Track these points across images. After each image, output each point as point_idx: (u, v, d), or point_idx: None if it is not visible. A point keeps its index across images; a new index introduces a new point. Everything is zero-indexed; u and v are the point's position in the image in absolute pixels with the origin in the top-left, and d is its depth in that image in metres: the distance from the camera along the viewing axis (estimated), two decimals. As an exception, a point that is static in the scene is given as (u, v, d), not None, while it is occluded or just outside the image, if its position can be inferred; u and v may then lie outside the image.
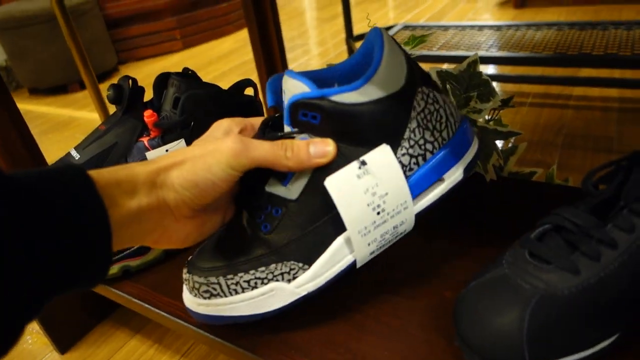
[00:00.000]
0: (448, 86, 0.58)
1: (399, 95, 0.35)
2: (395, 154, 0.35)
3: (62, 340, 0.70)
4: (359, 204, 0.34)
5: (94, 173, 0.27)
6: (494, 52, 1.34)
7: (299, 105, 0.34)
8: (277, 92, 0.39)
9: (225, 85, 0.49)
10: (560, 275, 0.30)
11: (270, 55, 0.98)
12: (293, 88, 0.34)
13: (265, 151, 0.34)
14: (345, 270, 0.37)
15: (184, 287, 0.39)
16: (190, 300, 0.38)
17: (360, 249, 0.36)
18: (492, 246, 0.43)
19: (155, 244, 0.34)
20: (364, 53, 0.38)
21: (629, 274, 0.30)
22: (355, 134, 0.34)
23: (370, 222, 0.35)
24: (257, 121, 0.41)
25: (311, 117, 0.34)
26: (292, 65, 1.82)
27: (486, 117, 0.66)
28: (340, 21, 1.59)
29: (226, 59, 2.13)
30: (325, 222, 0.36)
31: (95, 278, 0.26)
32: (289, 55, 1.95)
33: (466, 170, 0.38)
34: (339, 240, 0.36)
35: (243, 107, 0.51)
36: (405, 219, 0.36)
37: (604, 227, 0.31)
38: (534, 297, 0.30)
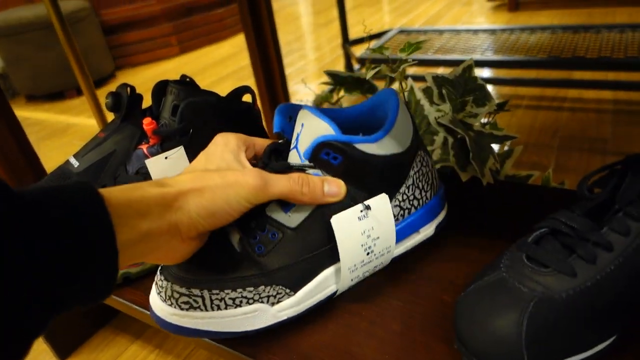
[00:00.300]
0: (444, 91, 0.59)
1: (405, 154, 0.40)
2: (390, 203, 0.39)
3: (62, 347, 0.70)
4: (355, 243, 0.37)
5: (105, 191, 0.27)
6: (489, 56, 1.36)
7: (325, 144, 0.36)
8: (285, 119, 0.41)
9: (222, 90, 0.49)
10: (557, 278, 0.30)
11: (267, 60, 0.98)
12: (316, 126, 0.37)
13: (283, 186, 0.35)
14: (325, 300, 0.40)
15: (154, 293, 0.38)
16: (161, 308, 0.37)
17: (345, 283, 0.39)
18: (489, 250, 0.44)
19: (157, 261, 0.35)
20: (372, 106, 0.43)
21: (625, 277, 0.30)
22: (362, 180, 0.38)
23: (360, 260, 0.38)
24: (260, 142, 0.42)
25: (332, 157, 0.37)
26: (289, 70, 1.83)
27: (482, 120, 0.66)
28: (336, 26, 1.59)
29: (223, 64, 2.14)
30: (318, 254, 0.38)
31: (100, 295, 0.26)
32: (285, 60, 1.96)
33: (437, 227, 0.44)
34: (326, 272, 0.39)
35: (241, 114, 0.51)
36: (384, 262, 0.41)
37: (600, 230, 0.31)
38: (532, 300, 0.30)
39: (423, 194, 0.42)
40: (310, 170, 0.37)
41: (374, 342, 0.37)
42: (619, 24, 1.41)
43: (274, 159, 0.40)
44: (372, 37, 1.53)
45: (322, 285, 0.39)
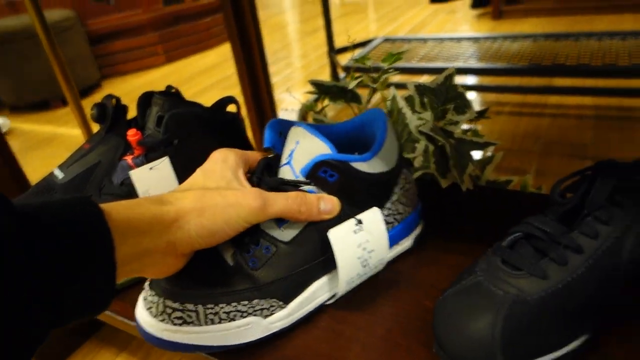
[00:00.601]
0: (426, 99, 0.60)
1: (392, 172, 0.42)
2: None
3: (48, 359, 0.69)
4: (352, 256, 0.38)
5: (106, 207, 0.28)
6: (473, 64, 1.38)
7: (324, 163, 0.38)
8: (276, 135, 0.43)
9: (208, 99, 0.50)
10: (530, 281, 0.31)
11: (253, 69, 0.99)
12: (313, 144, 0.39)
13: (283, 206, 0.36)
14: (316, 309, 0.41)
15: (142, 309, 0.37)
16: (151, 324, 0.36)
17: (340, 294, 0.41)
18: (470, 254, 0.45)
19: (148, 275, 0.35)
20: (361, 124, 0.45)
21: (595, 278, 0.31)
22: (354, 196, 0.40)
23: (356, 273, 0.39)
24: (252, 155, 0.42)
25: (329, 175, 0.39)
26: (275, 79, 1.84)
27: (464, 127, 0.68)
28: (322, 34, 1.61)
29: (209, 73, 2.14)
30: (310, 267, 0.39)
31: (98, 309, 0.27)
32: (271, 69, 1.96)
33: (415, 239, 0.47)
34: (317, 283, 0.40)
35: (226, 124, 0.52)
36: (375, 273, 0.42)
37: (571, 233, 0.32)
38: (506, 302, 0.31)
39: (405, 209, 0.45)
40: (305, 187, 0.39)
41: (357, 347, 0.38)
42: (598, 32, 1.44)
43: (267, 174, 0.41)
44: (357, 46, 1.55)
45: (313, 296, 0.40)
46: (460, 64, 1.36)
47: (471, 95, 1.44)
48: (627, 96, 1.22)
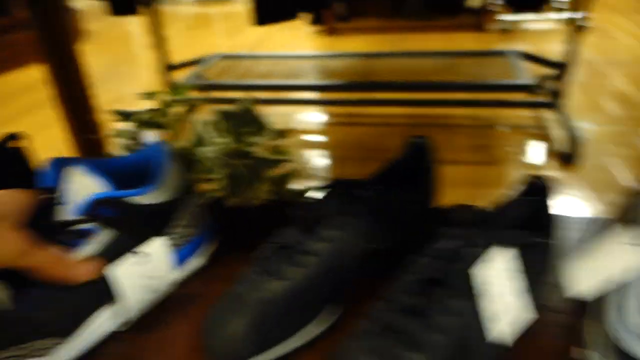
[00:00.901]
0: (228, 124, 0.65)
1: (176, 199, 0.46)
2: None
3: None
4: (137, 287, 0.41)
5: None
6: (305, 81, 1.50)
7: (100, 201, 0.40)
8: (58, 173, 0.43)
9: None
10: (278, 284, 0.38)
11: (74, 90, 0.94)
12: (90, 183, 0.41)
13: (39, 261, 0.36)
14: (107, 337, 0.42)
15: None
16: None
17: (132, 319, 0.43)
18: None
19: None
20: (145, 157, 0.48)
21: (329, 280, 0.39)
22: (134, 228, 0.42)
23: (145, 299, 0.42)
24: (37, 195, 0.42)
25: (107, 212, 0.40)
26: (113, 95, 1.74)
27: (272, 144, 0.74)
28: (167, 45, 1.59)
29: (34, 90, 1.94)
30: (93, 301, 0.40)
31: None
32: (113, 83, 1.87)
33: (207, 258, 0.51)
34: (102, 315, 0.41)
35: (7, 161, 0.50)
36: (166, 294, 0.46)
37: (309, 240, 0.40)
38: (257, 305, 0.37)
39: (192, 231, 0.49)
40: (84, 225, 0.40)
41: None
42: (408, 51, 1.68)
43: (45, 215, 0.41)
44: (194, 63, 1.56)
45: (99, 327, 0.41)
46: (292, 81, 1.47)
47: (309, 110, 1.57)
48: (432, 106, 1.45)
